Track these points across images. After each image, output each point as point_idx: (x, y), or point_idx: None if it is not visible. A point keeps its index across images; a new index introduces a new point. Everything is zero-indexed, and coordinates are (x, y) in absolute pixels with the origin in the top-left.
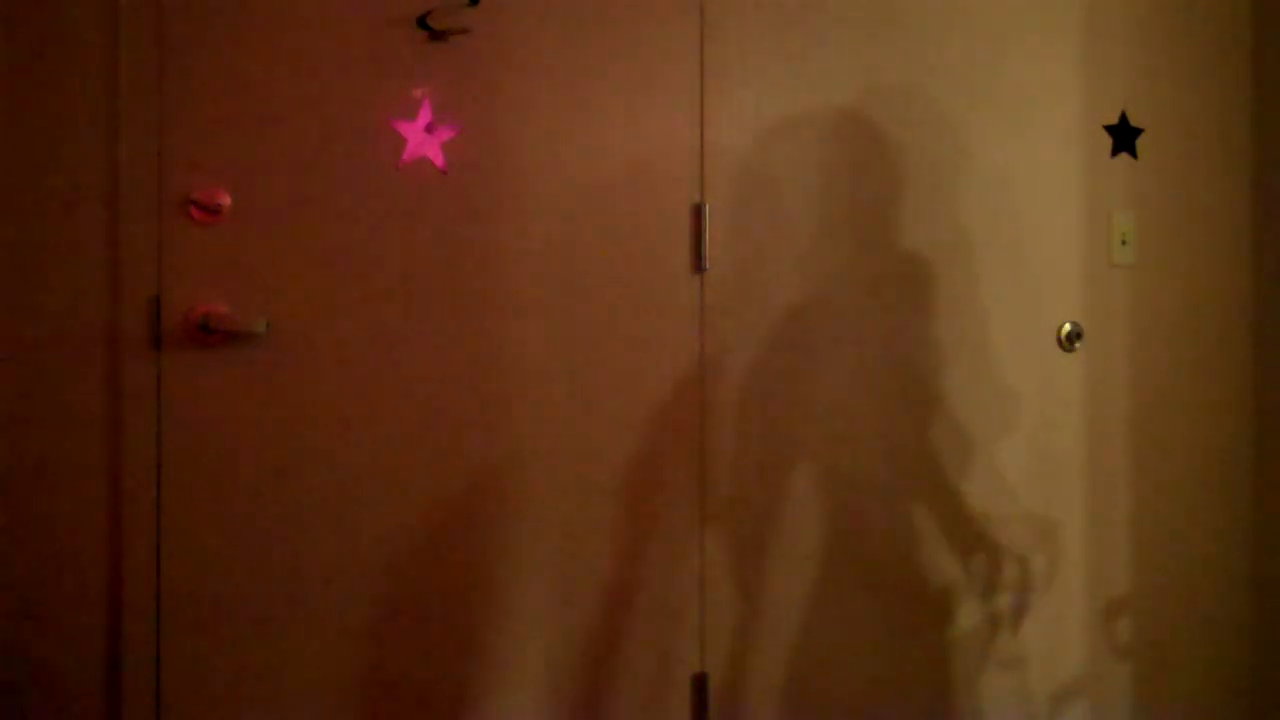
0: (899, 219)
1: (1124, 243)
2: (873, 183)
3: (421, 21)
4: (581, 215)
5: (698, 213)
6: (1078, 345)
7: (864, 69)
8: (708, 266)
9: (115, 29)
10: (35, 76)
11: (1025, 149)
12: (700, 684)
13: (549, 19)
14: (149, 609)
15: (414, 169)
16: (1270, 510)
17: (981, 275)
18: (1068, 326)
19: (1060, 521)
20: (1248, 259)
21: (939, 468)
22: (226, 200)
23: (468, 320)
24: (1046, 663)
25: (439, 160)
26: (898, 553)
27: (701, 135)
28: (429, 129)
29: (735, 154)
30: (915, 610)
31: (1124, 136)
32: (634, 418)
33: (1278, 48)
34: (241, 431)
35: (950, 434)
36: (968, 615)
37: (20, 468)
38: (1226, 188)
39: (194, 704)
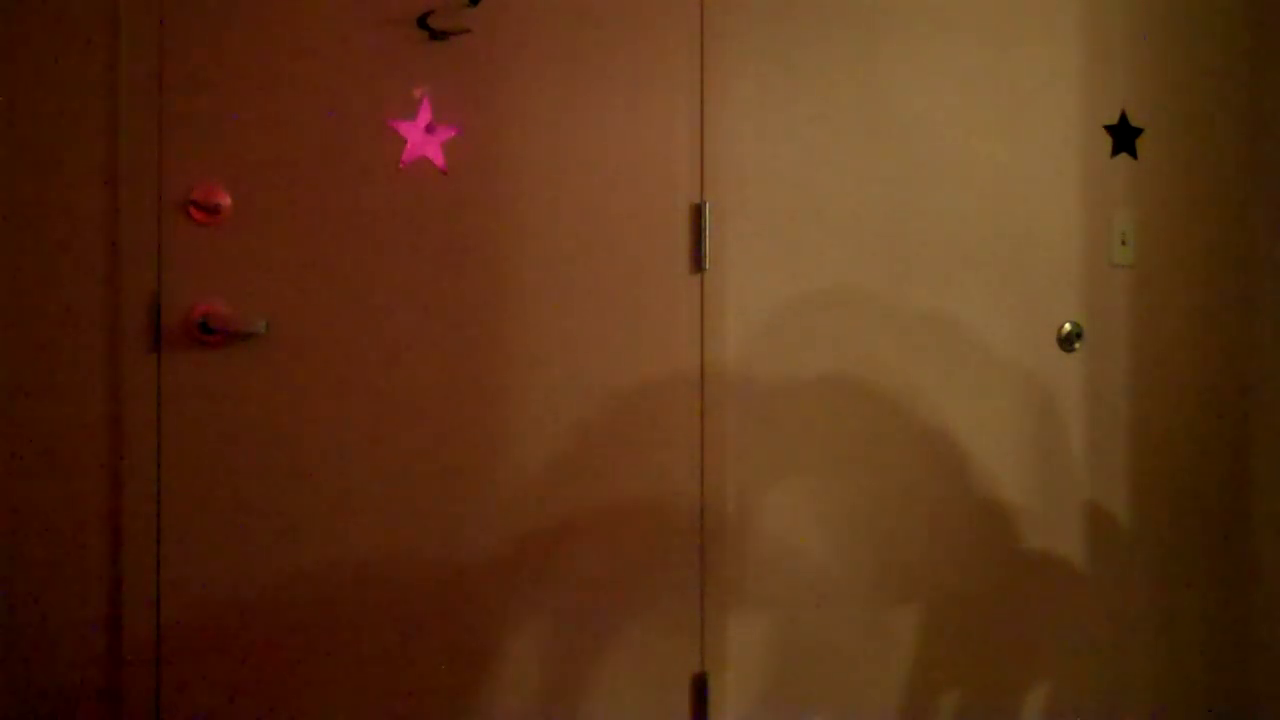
0: (899, 219)
1: (1124, 243)
2: (872, 182)
3: (421, 21)
4: (581, 215)
5: (698, 213)
6: (1078, 345)
7: (864, 68)
8: (708, 266)
9: (115, 29)
10: (35, 76)
11: (1025, 149)
12: (700, 684)
13: (549, 19)
14: (149, 608)
15: (414, 169)
16: (1270, 509)
17: (982, 275)
18: (1068, 326)
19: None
20: (1247, 259)
21: (939, 467)
22: (226, 200)
23: (468, 320)
24: (1046, 662)
25: (439, 160)
26: (898, 552)
27: (701, 135)
28: (429, 129)
29: (735, 153)
30: (914, 610)
31: (1124, 136)
32: (634, 417)
33: (1277, 48)
34: (241, 431)
35: (950, 433)
36: (967, 614)
37: (20, 467)
38: (1226, 188)
39: (194, 703)
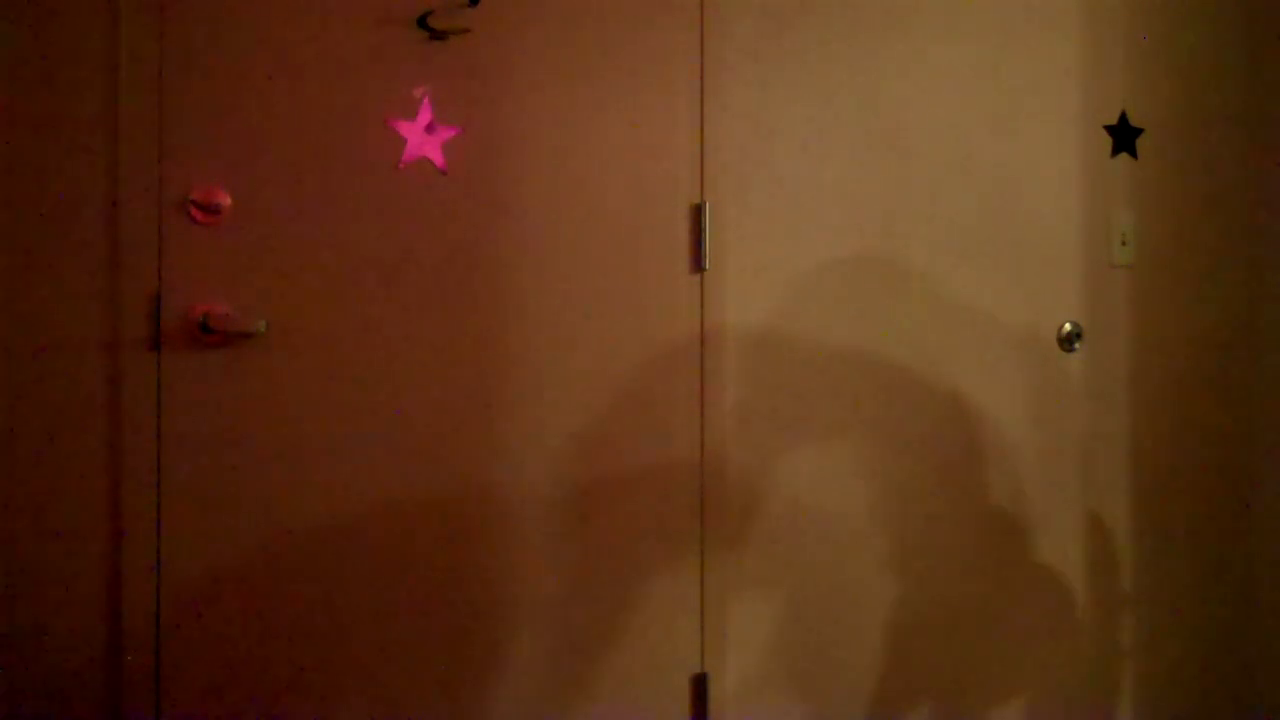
0: (899, 219)
1: (1124, 243)
2: (872, 182)
3: (421, 21)
4: (581, 215)
5: (698, 213)
6: (1078, 345)
7: (864, 68)
8: (708, 266)
9: (115, 29)
10: (36, 76)
11: (1025, 149)
12: (700, 684)
13: (549, 19)
14: (149, 609)
15: (414, 169)
16: (1270, 510)
17: (981, 275)
18: (1068, 326)
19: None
20: (1247, 259)
21: (939, 466)
22: (226, 200)
23: (467, 320)
24: (1046, 662)
25: (439, 160)
26: (897, 552)
27: (701, 135)
28: (429, 129)
29: (735, 153)
30: (912, 610)
31: (1124, 136)
32: (634, 417)
33: (1277, 48)
34: (241, 431)
35: (950, 433)
36: (964, 616)
37: (20, 467)
38: (1226, 188)
39: (194, 703)
